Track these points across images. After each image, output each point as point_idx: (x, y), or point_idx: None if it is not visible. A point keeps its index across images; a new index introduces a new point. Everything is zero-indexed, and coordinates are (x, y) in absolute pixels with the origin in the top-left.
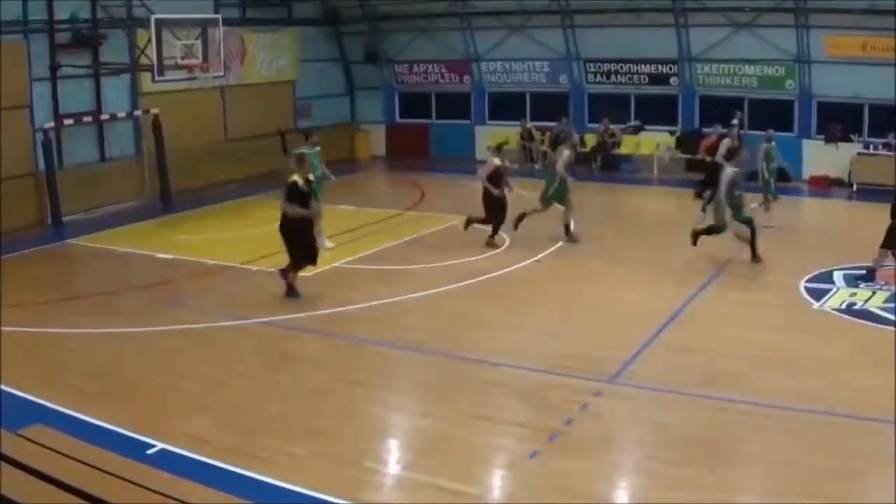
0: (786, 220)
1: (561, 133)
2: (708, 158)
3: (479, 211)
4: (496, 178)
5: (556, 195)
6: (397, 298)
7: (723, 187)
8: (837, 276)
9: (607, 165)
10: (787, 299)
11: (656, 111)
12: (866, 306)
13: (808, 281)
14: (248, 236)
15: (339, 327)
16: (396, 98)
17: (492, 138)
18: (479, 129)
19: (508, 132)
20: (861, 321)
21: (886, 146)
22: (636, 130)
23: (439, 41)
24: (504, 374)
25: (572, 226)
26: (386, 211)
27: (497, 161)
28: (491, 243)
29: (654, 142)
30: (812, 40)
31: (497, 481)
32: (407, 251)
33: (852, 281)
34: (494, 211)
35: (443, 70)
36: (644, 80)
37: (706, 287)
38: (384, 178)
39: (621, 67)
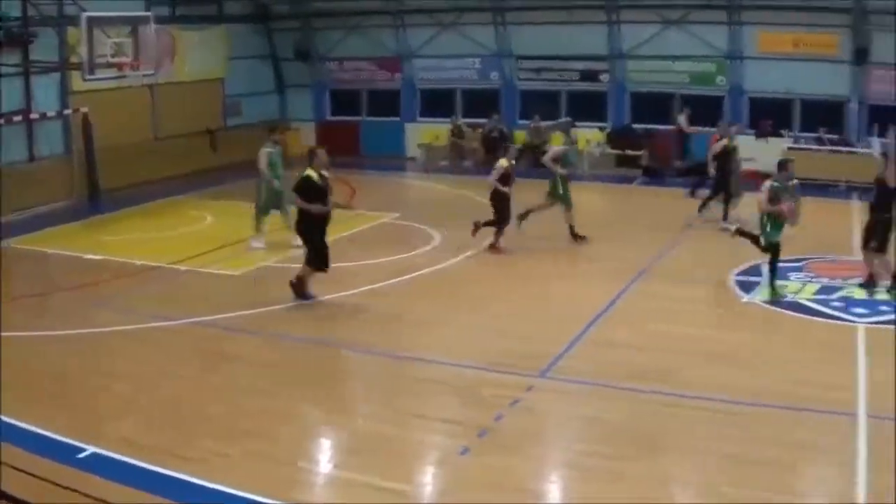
0: (717, 213)
1: (553, 128)
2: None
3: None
4: (505, 178)
5: (565, 191)
6: (331, 296)
7: (766, 204)
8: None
9: (537, 162)
10: (717, 292)
11: (587, 108)
12: (796, 298)
13: (738, 274)
14: (176, 235)
15: (271, 326)
16: (327, 95)
17: (422, 135)
18: (410, 127)
19: (439, 129)
20: (790, 313)
21: (817, 140)
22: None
23: (371, 38)
24: (437, 371)
25: (524, 219)
26: None
27: (505, 162)
28: (496, 248)
29: (584, 138)
30: (744, 37)
31: (429, 478)
32: (339, 249)
33: (782, 273)
34: (502, 212)
35: (374, 67)
36: (575, 76)
37: (635, 282)
38: None
39: (553, 64)
